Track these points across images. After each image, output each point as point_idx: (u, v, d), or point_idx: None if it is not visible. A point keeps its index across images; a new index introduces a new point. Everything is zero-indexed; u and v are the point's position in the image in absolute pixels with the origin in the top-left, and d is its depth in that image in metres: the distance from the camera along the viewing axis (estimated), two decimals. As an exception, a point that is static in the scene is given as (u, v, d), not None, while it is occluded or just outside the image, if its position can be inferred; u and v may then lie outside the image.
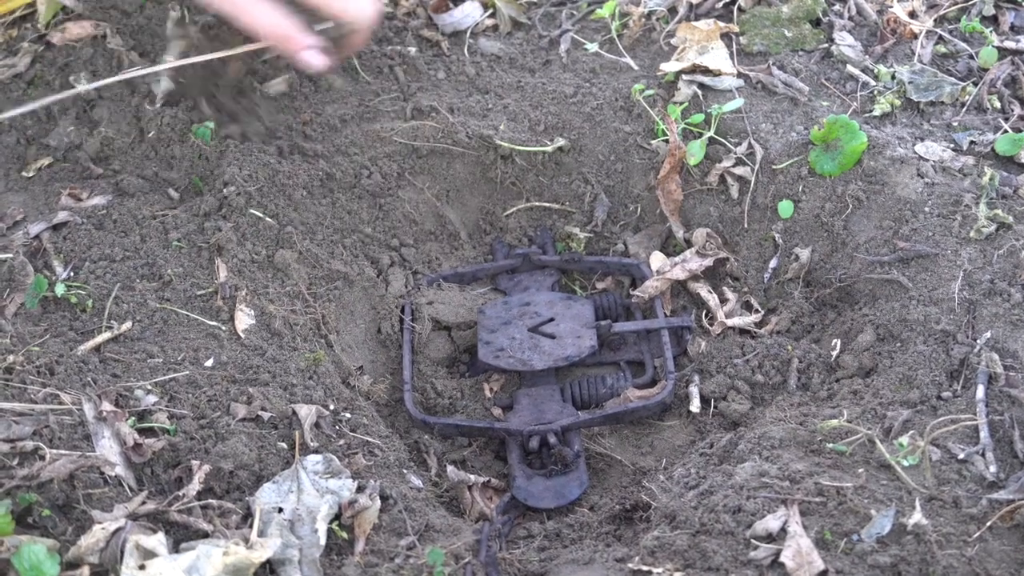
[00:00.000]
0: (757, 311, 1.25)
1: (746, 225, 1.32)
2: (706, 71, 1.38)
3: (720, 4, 1.49)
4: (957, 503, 0.93)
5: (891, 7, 1.46)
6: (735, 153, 1.32)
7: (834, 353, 1.17)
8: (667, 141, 1.34)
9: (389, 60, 1.50)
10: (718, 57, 1.40)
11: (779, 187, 1.30)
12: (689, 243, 1.33)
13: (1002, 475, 0.96)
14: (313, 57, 1.18)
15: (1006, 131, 1.29)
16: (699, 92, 1.37)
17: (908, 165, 1.26)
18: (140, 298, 1.15)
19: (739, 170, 1.31)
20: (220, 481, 0.98)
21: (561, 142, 1.37)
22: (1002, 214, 1.18)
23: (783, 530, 0.91)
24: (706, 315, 1.28)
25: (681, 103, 1.36)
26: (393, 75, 1.48)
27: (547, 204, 1.39)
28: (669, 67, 1.39)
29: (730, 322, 1.25)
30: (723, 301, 1.27)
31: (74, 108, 1.38)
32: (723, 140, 1.34)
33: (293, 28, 1.17)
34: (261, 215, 1.25)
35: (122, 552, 0.86)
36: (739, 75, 1.39)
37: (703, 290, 1.28)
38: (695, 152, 1.32)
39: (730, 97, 1.35)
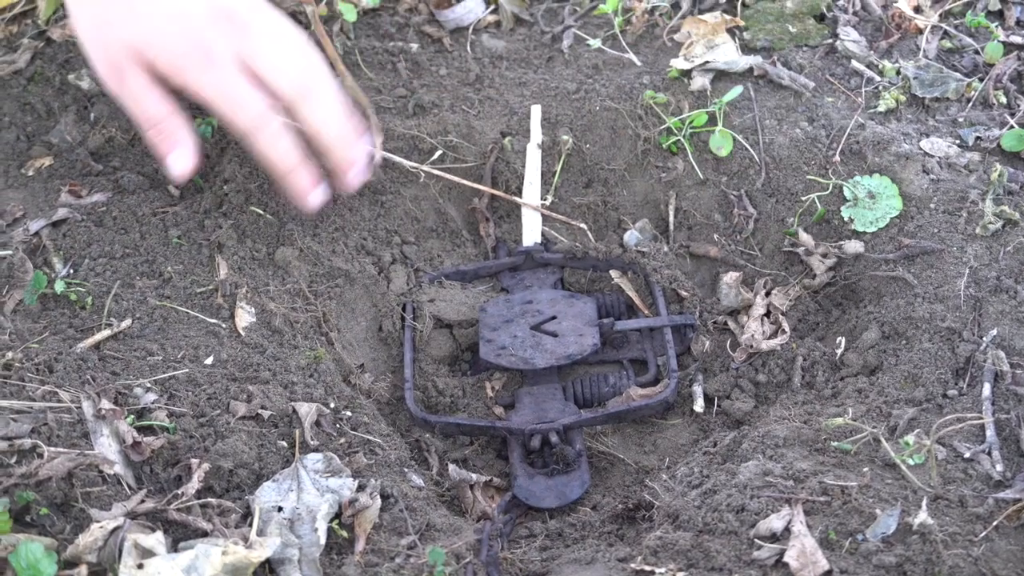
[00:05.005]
0: (784, 331, 1.22)
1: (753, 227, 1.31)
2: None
3: (724, -1, 1.49)
4: (963, 502, 0.92)
5: (896, 2, 1.45)
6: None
7: (839, 351, 1.16)
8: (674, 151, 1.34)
9: (391, 56, 1.49)
10: (727, 51, 1.39)
11: (781, 183, 1.30)
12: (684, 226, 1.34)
13: (1008, 474, 0.95)
14: (178, 160, 1.13)
15: (1012, 127, 1.28)
16: (709, 87, 1.36)
17: (913, 161, 1.25)
18: (140, 295, 1.15)
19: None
20: (219, 480, 0.98)
21: (565, 138, 1.37)
22: (1008, 210, 1.17)
23: (787, 530, 0.91)
24: (729, 343, 1.24)
25: (696, 91, 1.36)
26: (395, 71, 1.48)
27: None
28: (679, 64, 1.39)
29: (761, 347, 1.20)
30: (742, 328, 1.24)
31: (75, 105, 1.37)
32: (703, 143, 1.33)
33: (175, 124, 1.12)
34: (261, 212, 1.25)
35: (120, 551, 0.85)
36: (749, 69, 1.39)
37: (729, 320, 1.27)
38: (723, 144, 1.31)
39: (747, 79, 1.35)
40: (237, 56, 1.09)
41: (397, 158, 1.33)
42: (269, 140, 1.11)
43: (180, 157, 1.12)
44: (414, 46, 1.51)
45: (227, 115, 1.10)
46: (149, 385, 1.05)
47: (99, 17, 1.10)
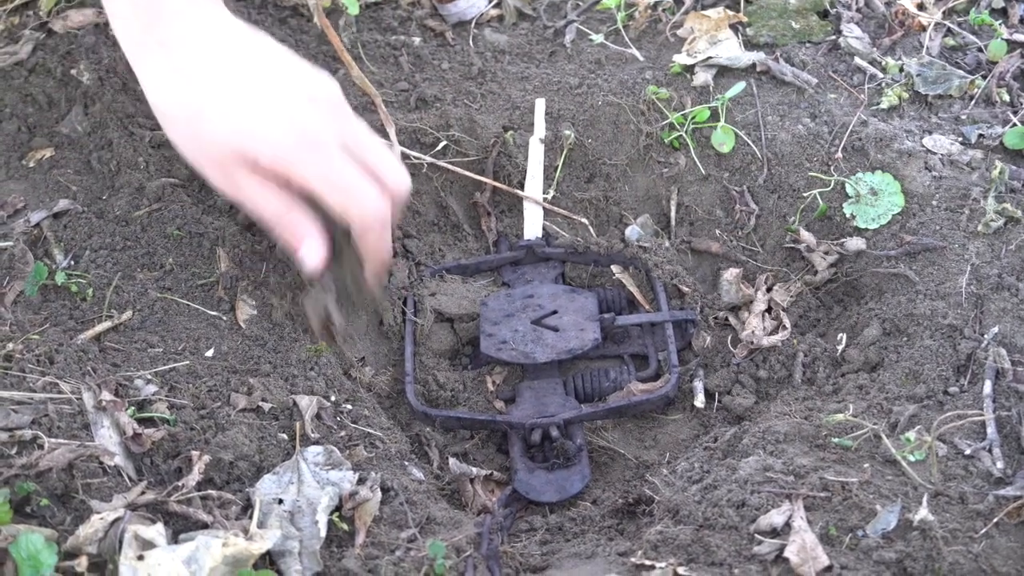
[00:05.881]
0: (785, 328, 1.22)
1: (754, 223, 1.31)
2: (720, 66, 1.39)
3: (727, -5, 1.49)
4: (963, 499, 0.92)
5: (899, -1, 1.45)
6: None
7: (840, 347, 1.16)
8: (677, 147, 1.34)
9: (393, 50, 1.49)
10: (730, 47, 1.39)
11: (783, 179, 1.30)
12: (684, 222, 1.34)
13: (1009, 471, 0.95)
14: (310, 252, 1.04)
15: (1015, 125, 1.28)
16: (711, 82, 1.36)
17: (916, 158, 1.25)
18: (141, 287, 1.15)
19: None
20: (220, 472, 0.98)
21: (567, 133, 1.37)
22: (1010, 208, 1.17)
23: (787, 525, 0.91)
24: (730, 339, 1.24)
25: (699, 87, 1.36)
26: (397, 64, 1.47)
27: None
28: (681, 60, 1.39)
29: (762, 343, 1.20)
30: (743, 324, 1.24)
31: (83, 100, 1.37)
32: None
33: (297, 217, 1.03)
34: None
35: (120, 542, 0.85)
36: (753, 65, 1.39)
37: (730, 316, 1.27)
38: (724, 140, 1.31)
39: (750, 74, 1.36)
40: (343, 144, 1.03)
41: (405, 150, 1.33)
42: (381, 235, 1.06)
43: (309, 249, 1.04)
44: (416, 40, 1.50)
45: (339, 205, 1.03)
46: (150, 377, 1.05)
47: (194, 124, 1.02)
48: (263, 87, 1.01)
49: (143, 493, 0.92)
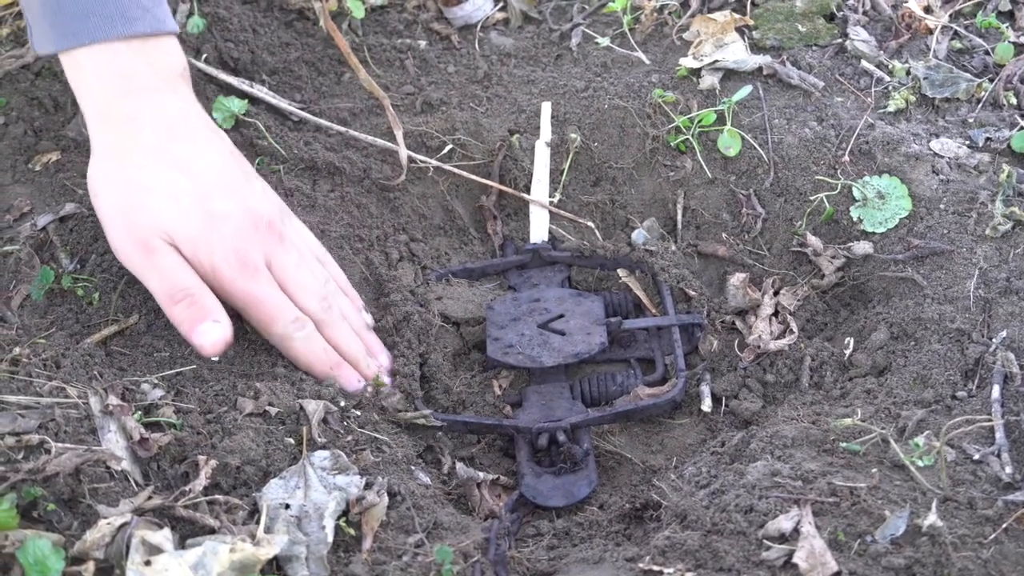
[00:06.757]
0: (792, 331, 1.22)
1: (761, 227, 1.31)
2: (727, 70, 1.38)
3: (733, -2, 1.49)
4: (972, 504, 0.92)
5: (906, 2, 1.44)
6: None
7: (847, 352, 1.16)
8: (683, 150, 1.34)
9: (399, 53, 1.49)
10: (736, 50, 1.39)
11: (790, 182, 1.29)
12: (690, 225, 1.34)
13: (1018, 476, 0.95)
14: (211, 331, 1.05)
15: (1022, 128, 1.28)
16: (718, 86, 1.36)
17: (923, 162, 1.25)
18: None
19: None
20: (227, 476, 0.98)
21: (573, 136, 1.36)
22: (1018, 212, 1.17)
23: (796, 530, 0.90)
24: (737, 343, 1.24)
25: (705, 90, 1.36)
26: (403, 68, 1.47)
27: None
28: (688, 63, 1.39)
29: (769, 347, 1.20)
30: (749, 328, 1.24)
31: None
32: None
33: (209, 299, 1.06)
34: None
35: (128, 547, 0.85)
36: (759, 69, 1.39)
37: (737, 320, 1.26)
38: (731, 144, 1.31)
39: (756, 78, 1.36)
40: (268, 265, 1.09)
41: (411, 153, 1.33)
42: (304, 345, 1.11)
43: (213, 328, 1.05)
44: (422, 43, 1.50)
45: (261, 323, 1.09)
46: (156, 381, 1.05)
47: (132, 202, 1.07)
48: (211, 196, 1.07)
49: (150, 498, 0.92)
